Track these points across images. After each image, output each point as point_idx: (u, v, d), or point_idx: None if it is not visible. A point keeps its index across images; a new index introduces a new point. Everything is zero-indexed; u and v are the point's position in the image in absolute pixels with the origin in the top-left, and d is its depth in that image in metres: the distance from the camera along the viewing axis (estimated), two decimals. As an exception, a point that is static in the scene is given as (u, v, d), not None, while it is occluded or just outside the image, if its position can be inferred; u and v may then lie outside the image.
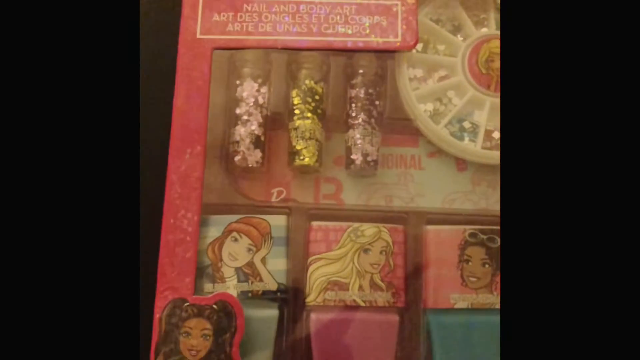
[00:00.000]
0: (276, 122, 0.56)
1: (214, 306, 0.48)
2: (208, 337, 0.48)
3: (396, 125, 0.56)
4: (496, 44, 0.56)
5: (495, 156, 0.54)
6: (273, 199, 0.55)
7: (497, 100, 0.55)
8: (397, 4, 0.54)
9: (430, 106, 0.55)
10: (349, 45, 0.53)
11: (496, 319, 0.50)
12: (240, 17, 0.54)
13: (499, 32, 0.57)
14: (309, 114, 0.54)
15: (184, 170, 0.51)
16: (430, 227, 0.52)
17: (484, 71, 0.55)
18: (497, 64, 0.55)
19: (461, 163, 0.57)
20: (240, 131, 0.54)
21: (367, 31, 0.54)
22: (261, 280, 0.50)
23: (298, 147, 0.54)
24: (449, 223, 0.52)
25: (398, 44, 0.53)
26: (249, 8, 0.54)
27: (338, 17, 0.54)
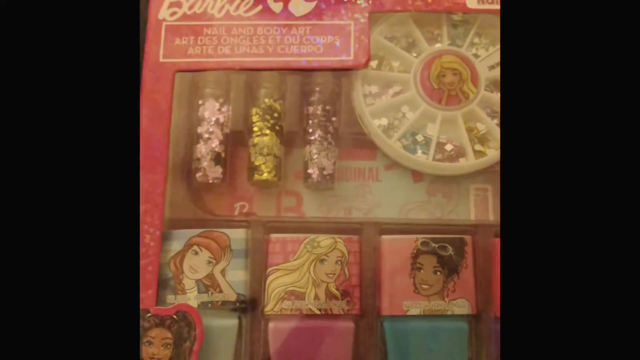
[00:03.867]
0: (238, 139, 0.58)
1: (174, 316, 0.51)
2: (169, 346, 0.50)
3: (354, 139, 0.59)
4: (448, 59, 0.58)
5: (446, 167, 0.56)
6: (236, 213, 0.58)
7: (448, 114, 0.57)
8: (350, 24, 0.57)
9: (384, 121, 0.58)
10: (304, 64, 0.56)
11: (448, 324, 0.53)
12: (201, 40, 0.57)
13: (451, 48, 0.59)
14: (268, 131, 0.57)
15: (147, 187, 0.53)
16: (384, 237, 0.54)
17: (435, 86, 0.57)
18: (448, 78, 0.57)
19: (417, 175, 0.59)
20: (202, 149, 0.56)
21: (321, 51, 0.56)
22: (221, 291, 0.53)
23: (257, 163, 0.56)
24: (403, 233, 0.54)
25: (350, 62, 0.56)
26: (209, 32, 0.57)
27: (293, 39, 0.57)
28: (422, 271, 0.53)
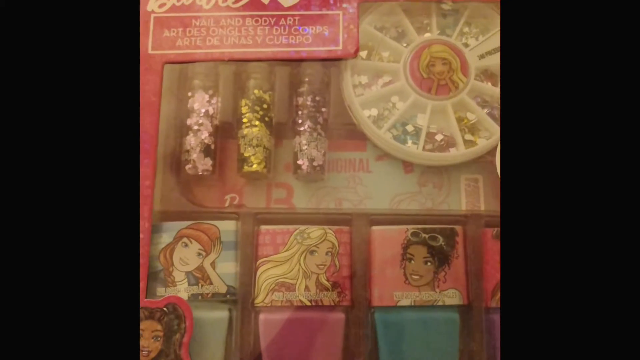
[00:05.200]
0: (227, 131, 0.58)
1: (164, 309, 0.50)
2: (159, 338, 0.50)
3: (344, 130, 0.58)
4: (437, 49, 0.58)
5: (436, 157, 0.56)
6: (226, 205, 0.58)
7: (438, 104, 0.57)
8: (339, 14, 0.56)
9: (374, 111, 0.57)
10: (293, 55, 0.56)
11: (439, 315, 0.53)
12: (189, 32, 0.56)
13: (440, 37, 0.58)
14: (257, 122, 0.56)
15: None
16: (374, 228, 0.54)
17: (425, 75, 0.57)
18: (438, 67, 0.57)
19: (408, 165, 0.59)
20: (191, 141, 0.56)
21: (310, 41, 0.56)
22: (211, 283, 0.53)
23: (246, 155, 0.56)
24: (394, 223, 0.54)
25: (339, 52, 0.56)
26: (197, 23, 0.57)
27: (282, 29, 0.56)
28: (412, 262, 0.53)
